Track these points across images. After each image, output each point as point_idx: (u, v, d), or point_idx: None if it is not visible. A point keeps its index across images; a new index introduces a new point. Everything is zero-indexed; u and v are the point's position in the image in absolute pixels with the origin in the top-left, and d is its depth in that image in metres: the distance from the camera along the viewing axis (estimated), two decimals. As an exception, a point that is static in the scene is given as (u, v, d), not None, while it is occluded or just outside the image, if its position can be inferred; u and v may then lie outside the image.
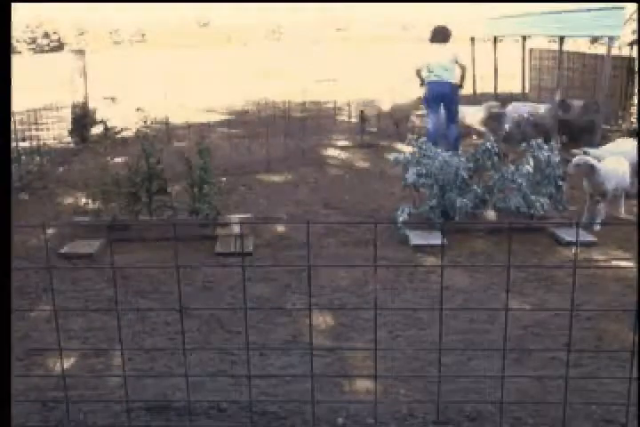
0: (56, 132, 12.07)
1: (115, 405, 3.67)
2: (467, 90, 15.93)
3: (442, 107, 9.72)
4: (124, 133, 11.75)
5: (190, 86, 20.28)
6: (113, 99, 14.13)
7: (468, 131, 11.43)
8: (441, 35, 9.62)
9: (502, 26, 14.77)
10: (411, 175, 6.62)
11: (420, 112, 11.52)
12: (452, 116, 9.80)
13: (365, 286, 5.39)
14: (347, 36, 56.07)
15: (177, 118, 13.52)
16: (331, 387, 3.84)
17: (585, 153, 7.24)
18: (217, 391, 3.83)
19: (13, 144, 9.23)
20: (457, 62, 9.51)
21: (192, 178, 6.82)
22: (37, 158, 9.38)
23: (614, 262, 5.94)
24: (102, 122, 11.83)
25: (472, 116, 11.22)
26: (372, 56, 32.97)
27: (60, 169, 9.75)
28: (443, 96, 9.55)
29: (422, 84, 9.81)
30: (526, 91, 14.39)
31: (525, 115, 10.84)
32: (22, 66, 25.48)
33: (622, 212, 7.12)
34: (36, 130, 11.60)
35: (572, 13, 10.95)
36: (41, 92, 16.99)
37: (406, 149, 7.54)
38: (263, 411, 3.61)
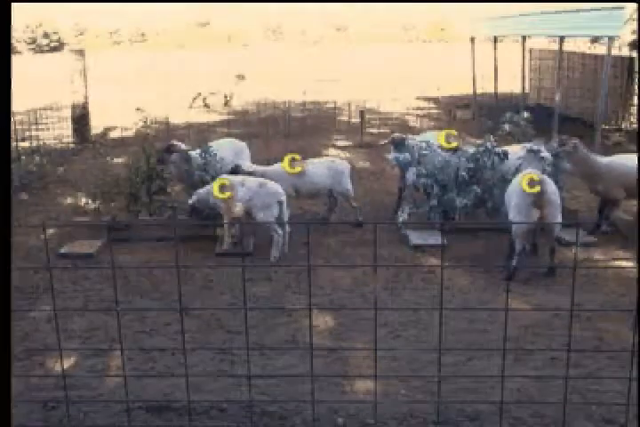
0: (56, 132, 12.05)
1: (115, 405, 3.67)
2: (466, 90, 16.00)
3: None
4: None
5: (191, 86, 20.26)
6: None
7: None
8: None
9: (502, 26, 14.75)
10: (411, 175, 6.62)
11: None
12: None
13: (365, 286, 5.39)
14: (347, 36, 56.10)
15: (177, 118, 13.51)
16: (331, 387, 3.84)
17: None
18: (217, 391, 3.83)
19: (13, 144, 9.23)
20: None
21: (192, 178, 6.81)
22: (37, 158, 9.38)
23: (614, 262, 5.94)
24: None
25: None
26: (372, 56, 32.94)
27: (60, 169, 9.75)
28: None
29: None
30: (526, 91, 14.38)
31: None
32: (22, 66, 25.48)
33: None
34: (36, 130, 11.59)
35: (572, 13, 10.94)
36: (41, 92, 16.98)
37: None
38: (263, 411, 3.61)
